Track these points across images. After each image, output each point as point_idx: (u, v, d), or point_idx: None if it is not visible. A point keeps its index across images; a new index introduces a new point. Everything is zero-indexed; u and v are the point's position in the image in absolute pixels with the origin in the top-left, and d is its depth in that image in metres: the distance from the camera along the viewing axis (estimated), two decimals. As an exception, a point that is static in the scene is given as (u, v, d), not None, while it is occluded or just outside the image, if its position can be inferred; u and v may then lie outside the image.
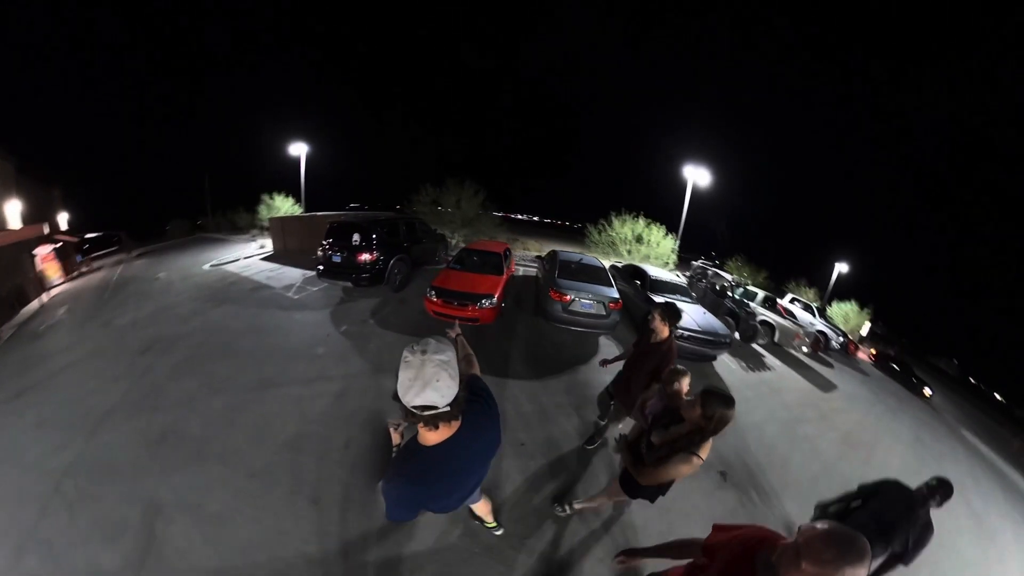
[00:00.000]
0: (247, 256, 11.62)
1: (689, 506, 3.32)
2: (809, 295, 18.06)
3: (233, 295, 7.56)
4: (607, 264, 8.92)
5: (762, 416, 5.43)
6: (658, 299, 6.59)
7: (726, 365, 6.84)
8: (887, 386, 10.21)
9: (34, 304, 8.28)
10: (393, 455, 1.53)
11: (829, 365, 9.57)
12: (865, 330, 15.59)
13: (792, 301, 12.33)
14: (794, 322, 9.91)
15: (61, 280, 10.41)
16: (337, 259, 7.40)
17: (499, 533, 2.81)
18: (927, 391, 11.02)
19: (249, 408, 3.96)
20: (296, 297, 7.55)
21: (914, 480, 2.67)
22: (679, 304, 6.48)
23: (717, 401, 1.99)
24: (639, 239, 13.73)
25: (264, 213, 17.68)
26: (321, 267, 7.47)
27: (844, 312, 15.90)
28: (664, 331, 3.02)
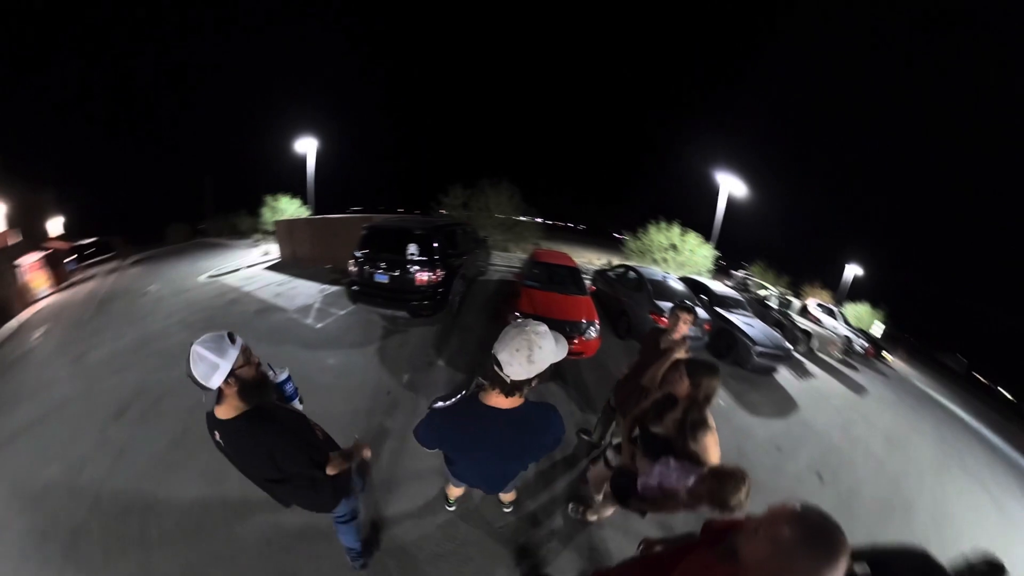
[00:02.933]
0: (249, 265, 10.62)
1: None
2: (823, 297, 19.24)
3: (235, 321, 6.10)
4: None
5: (825, 421, 6.44)
6: (729, 316, 7.53)
7: (781, 374, 7.86)
8: (905, 386, 11.41)
9: (14, 323, 7.28)
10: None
11: (855, 368, 10.67)
12: (876, 330, 16.82)
13: (816, 306, 13.52)
14: (824, 328, 11.03)
15: (50, 291, 9.58)
16: (382, 278, 5.53)
17: (508, 511, 2.92)
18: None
19: (320, 570, 2.35)
20: (319, 326, 5.96)
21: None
22: (745, 319, 7.52)
23: (701, 369, 2.03)
24: (674, 247, 14.59)
25: (268, 216, 17.07)
26: (355, 288, 5.72)
27: (857, 314, 17.07)
28: (679, 332, 2.77)
